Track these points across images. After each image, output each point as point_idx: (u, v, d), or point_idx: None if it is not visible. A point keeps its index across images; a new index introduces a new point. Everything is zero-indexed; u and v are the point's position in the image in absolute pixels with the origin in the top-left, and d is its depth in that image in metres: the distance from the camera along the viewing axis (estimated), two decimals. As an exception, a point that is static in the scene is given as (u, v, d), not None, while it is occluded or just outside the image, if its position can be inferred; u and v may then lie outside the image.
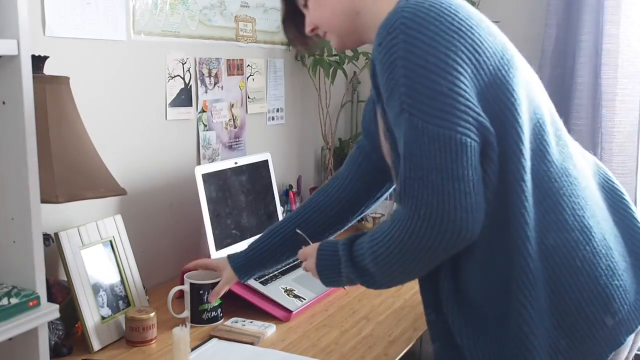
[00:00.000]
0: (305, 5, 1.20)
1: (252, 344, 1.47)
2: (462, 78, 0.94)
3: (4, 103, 1.06)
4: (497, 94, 0.97)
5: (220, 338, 1.49)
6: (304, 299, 1.71)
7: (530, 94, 1.03)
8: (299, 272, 1.85)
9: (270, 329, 1.54)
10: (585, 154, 1.17)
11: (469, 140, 0.94)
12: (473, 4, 2.43)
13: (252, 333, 1.51)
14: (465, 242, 0.98)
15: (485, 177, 0.98)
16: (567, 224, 1.01)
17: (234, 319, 1.59)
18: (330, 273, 1.16)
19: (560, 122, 1.10)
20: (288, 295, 1.71)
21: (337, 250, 1.13)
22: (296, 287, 1.76)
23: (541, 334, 0.99)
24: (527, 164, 0.99)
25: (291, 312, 1.64)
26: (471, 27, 0.97)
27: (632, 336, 1.05)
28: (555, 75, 2.38)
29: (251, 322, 1.58)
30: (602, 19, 2.26)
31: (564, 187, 1.02)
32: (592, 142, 2.32)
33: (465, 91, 0.94)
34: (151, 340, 1.48)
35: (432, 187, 0.94)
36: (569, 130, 2.38)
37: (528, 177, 0.99)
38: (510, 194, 0.98)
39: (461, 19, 0.97)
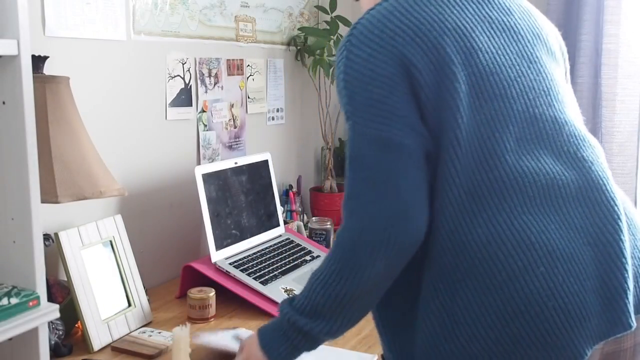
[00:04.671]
0: None
1: (151, 356, 1.41)
2: (399, 88, 1.00)
3: (4, 103, 1.06)
4: (435, 106, 1.01)
5: (120, 350, 1.44)
6: (304, 299, 1.71)
7: (488, 96, 1.02)
8: (299, 272, 1.85)
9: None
10: (587, 165, 1.08)
11: (407, 142, 0.99)
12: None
13: (155, 345, 1.45)
14: (413, 238, 0.99)
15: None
16: (498, 237, 0.98)
17: (142, 329, 1.53)
18: (276, 340, 1.08)
19: (545, 125, 1.06)
20: (288, 295, 1.71)
21: (271, 325, 1.10)
22: (296, 287, 1.76)
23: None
24: (460, 173, 1.00)
25: (291, 312, 1.64)
26: (406, 44, 1.01)
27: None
28: (556, 75, 2.38)
29: (159, 332, 1.50)
30: (602, 19, 2.26)
31: (506, 198, 1.00)
32: (592, 142, 2.32)
33: (402, 99, 1.00)
34: (209, 318, 1.62)
35: (375, 185, 0.99)
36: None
37: (460, 183, 1.00)
38: (439, 199, 1.01)
39: (399, 38, 1.01)
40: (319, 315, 1.04)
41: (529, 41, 1.09)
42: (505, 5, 1.10)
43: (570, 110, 1.11)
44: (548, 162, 1.04)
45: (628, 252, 1.04)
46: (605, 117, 2.29)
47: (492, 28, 1.06)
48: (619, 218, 1.05)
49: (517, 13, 1.11)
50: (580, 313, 0.97)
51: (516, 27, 1.09)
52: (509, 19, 1.09)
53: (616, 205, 1.06)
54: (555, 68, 1.13)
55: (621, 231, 1.04)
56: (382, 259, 0.98)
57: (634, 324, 1.02)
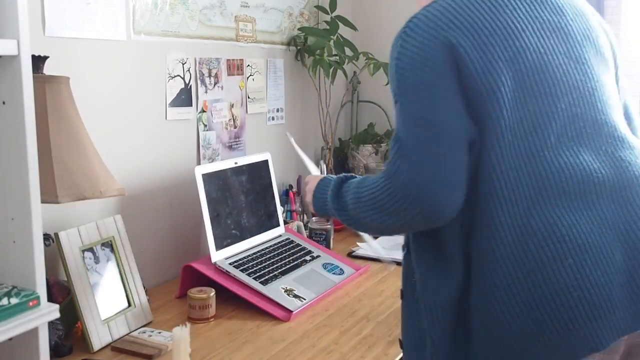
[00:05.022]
0: None
1: (151, 356, 1.41)
2: (448, 75, 1.06)
3: (4, 103, 1.06)
4: (480, 97, 1.06)
5: (120, 350, 1.44)
6: (304, 299, 1.71)
7: (533, 92, 1.08)
8: (299, 272, 1.85)
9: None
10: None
11: (450, 125, 1.05)
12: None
13: (155, 345, 1.45)
14: (437, 217, 1.06)
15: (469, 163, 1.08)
16: (530, 228, 1.04)
17: (142, 329, 1.53)
18: (321, 201, 1.31)
19: (593, 125, 1.10)
20: (288, 295, 1.71)
21: (330, 183, 1.29)
22: (296, 287, 1.76)
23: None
24: (502, 164, 1.06)
25: (291, 312, 1.64)
26: (458, 37, 1.06)
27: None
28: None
29: (159, 332, 1.51)
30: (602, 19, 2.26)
31: (542, 191, 1.05)
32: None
33: (449, 86, 1.06)
34: (209, 318, 1.62)
35: (414, 163, 1.05)
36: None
37: (501, 173, 1.06)
38: (483, 186, 1.08)
39: (452, 31, 1.07)
40: (342, 208, 1.22)
41: (578, 42, 1.14)
42: (558, 6, 1.15)
43: (613, 111, 1.15)
44: (586, 159, 1.08)
45: None
46: (605, 117, 2.29)
47: (542, 28, 1.11)
48: None
49: (570, 14, 1.15)
50: (606, 305, 1.01)
51: (567, 27, 1.14)
52: (560, 20, 1.13)
53: None
54: (603, 69, 1.17)
55: None
56: (401, 220, 1.09)
57: None
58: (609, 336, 1.01)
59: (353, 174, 1.29)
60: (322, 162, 2.10)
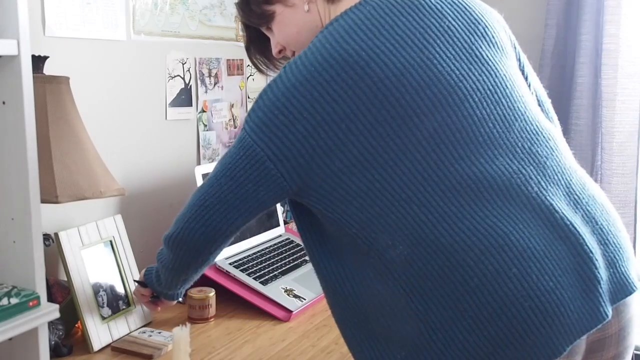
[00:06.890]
0: (269, 29, 1.23)
1: (151, 356, 1.41)
2: (308, 121, 1.01)
3: (4, 103, 1.06)
4: (360, 132, 1.00)
5: (120, 350, 1.44)
6: (304, 299, 1.71)
7: (428, 110, 1.01)
8: (299, 272, 1.85)
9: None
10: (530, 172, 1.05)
11: (279, 172, 1.04)
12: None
13: (155, 345, 1.44)
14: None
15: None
16: (463, 243, 0.96)
17: (142, 329, 1.53)
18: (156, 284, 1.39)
19: (485, 133, 1.03)
20: (288, 295, 1.71)
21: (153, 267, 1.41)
22: (296, 287, 1.76)
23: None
24: (406, 189, 0.99)
25: (291, 312, 1.64)
26: (325, 82, 1.01)
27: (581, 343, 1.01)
28: (555, 75, 2.38)
29: (159, 332, 1.51)
30: (602, 19, 2.26)
31: (464, 205, 0.98)
32: (592, 142, 2.32)
33: (302, 132, 1.01)
34: (209, 318, 1.63)
35: (217, 186, 1.13)
36: (569, 131, 2.38)
37: (410, 198, 0.99)
38: (393, 215, 1.00)
39: (320, 76, 1.01)
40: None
41: (466, 41, 1.07)
42: (437, 8, 1.07)
43: (522, 103, 1.08)
44: (504, 162, 1.02)
45: (593, 240, 1.03)
46: (605, 117, 2.29)
47: (424, 39, 1.04)
48: (567, 217, 1.03)
49: (451, 14, 1.08)
50: (558, 310, 0.96)
51: (450, 30, 1.06)
52: (442, 22, 1.06)
53: (561, 211, 1.03)
54: (502, 59, 1.10)
55: (575, 226, 1.02)
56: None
57: (609, 314, 1.00)
58: (565, 341, 0.96)
59: None
60: None
